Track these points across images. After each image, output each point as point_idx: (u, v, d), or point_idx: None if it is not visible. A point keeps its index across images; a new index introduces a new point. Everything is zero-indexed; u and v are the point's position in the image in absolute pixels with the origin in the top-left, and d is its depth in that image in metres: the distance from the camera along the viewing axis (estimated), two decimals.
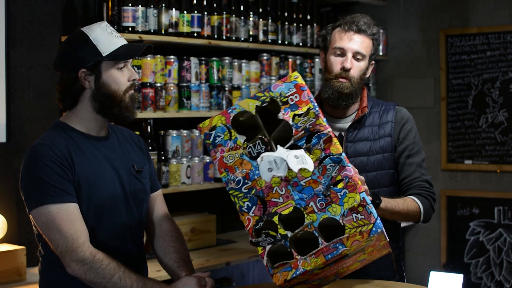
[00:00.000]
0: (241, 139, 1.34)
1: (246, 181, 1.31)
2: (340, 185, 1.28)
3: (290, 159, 1.30)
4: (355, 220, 1.26)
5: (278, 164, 1.30)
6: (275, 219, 1.29)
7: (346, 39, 1.69)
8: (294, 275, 1.25)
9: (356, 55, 1.70)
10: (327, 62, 1.73)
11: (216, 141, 1.35)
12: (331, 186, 1.29)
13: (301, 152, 1.31)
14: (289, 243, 1.28)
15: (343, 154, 1.31)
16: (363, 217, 1.26)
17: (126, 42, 1.51)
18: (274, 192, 1.30)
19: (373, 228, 1.25)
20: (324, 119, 1.34)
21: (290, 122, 1.33)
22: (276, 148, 1.32)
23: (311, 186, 1.29)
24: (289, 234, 1.28)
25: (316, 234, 1.27)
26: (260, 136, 1.34)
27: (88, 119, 1.52)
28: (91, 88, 1.48)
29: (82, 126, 1.52)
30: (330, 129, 1.33)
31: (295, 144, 1.33)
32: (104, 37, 1.47)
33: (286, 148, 1.33)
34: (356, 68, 1.70)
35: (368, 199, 1.30)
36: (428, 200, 1.72)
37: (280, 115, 1.34)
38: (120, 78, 1.48)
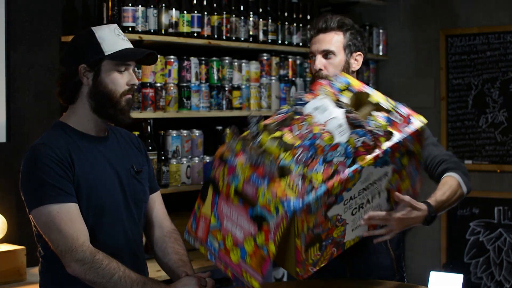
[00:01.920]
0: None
1: None
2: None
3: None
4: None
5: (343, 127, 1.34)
6: None
7: (313, 42, 1.73)
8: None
9: (323, 54, 1.70)
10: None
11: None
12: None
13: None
14: None
15: (363, 175, 1.32)
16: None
17: (132, 46, 1.52)
18: None
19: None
20: (387, 146, 1.34)
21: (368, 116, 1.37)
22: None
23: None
24: None
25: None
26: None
27: (87, 118, 1.52)
28: (88, 84, 1.48)
29: (81, 125, 1.52)
30: (380, 151, 1.34)
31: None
32: (110, 37, 1.48)
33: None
34: (329, 65, 1.70)
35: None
36: (462, 168, 1.70)
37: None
38: (119, 80, 1.48)
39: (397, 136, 1.35)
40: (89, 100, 1.50)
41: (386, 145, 1.33)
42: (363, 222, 1.39)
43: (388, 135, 1.34)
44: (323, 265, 1.37)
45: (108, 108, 1.49)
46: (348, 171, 1.29)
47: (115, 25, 1.53)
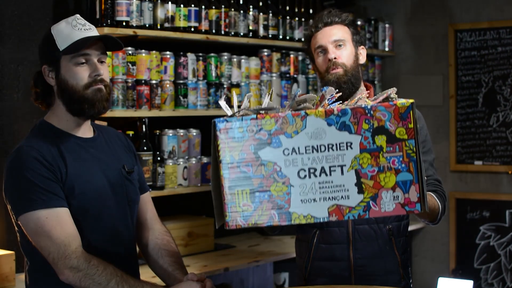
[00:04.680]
0: None
1: None
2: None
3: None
4: None
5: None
6: None
7: (319, 36, 1.75)
8: None
9: (336, 44, 1.74)
10: (317, 65, 1.77)
11: None
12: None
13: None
14: None
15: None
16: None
17: (91, 35, 1.46)
18: None
19: None
20: (347, 105, 1.28)
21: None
22: None
23: None
24: None
25: None
26: None
27: (66, 118, 1.49)
28: (55, 84, 1.47)
29: (64, 126, 1.49)
30: (336, 108, 1.27)
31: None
32: (65, 31, 1.46)
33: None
34: (343, 55, 1.73)
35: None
36: (443, 199, 1.70)
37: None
38: (79, 73, 1.45)
39: (363, 101, 1.28)
40: (60, 99, 1.48)
41: (346, 104, 1.27)
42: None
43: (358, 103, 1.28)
44: (259, 225, 1.28)
45: (74, 104, 1.45)
46: (288, 112, 1.25)
47: (76, 15, 1.49)
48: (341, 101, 1.36)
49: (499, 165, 3.26)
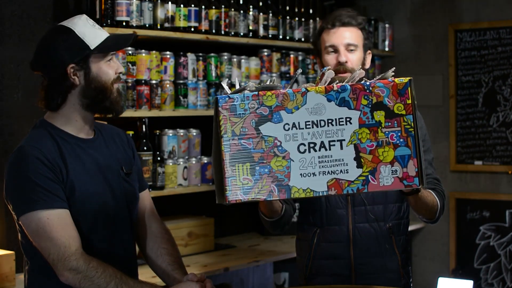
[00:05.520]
0: None
1: None
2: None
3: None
4: None
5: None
6: None
7: (334, 35, 1.74)
8: None
9: (348, 47, 1.73)
10: (324, 63, 1.76)
11: None
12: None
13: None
14: None
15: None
16: None
17: (108, 34, 1.49)
18: None
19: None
20: (346, 82, 1.29)
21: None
22: None
23: None
24: None
25: None
26: None
27: (75, 118, 1.48)
28: (80, 84, 1.45)
29: (69, 127, 1.48)
30: (336, 84, 1.28)
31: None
32: (88, 29, 1.46)
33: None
34: (353, 59, 1.73)
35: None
36: (442, 197, 1.70)
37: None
38: (109, 70, 1.47)
39: (361, 76, 1.29)
40: (82, 99, 1.46)
41: (346, 81, 1.28)
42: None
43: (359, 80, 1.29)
44: (259, 199, 1.28)
45: (104, 101, 1.46)
46: (289, 88, 1.27)
47: (84, 15, 1.49)
48: None
49: (499, 165, 3.26)
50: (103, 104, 1.45)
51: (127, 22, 2.36)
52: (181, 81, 2.56)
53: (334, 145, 1.26)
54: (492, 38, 3.26)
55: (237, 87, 1.34)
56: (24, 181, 1.37)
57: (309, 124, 1.26)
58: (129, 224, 1.52)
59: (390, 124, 1.25)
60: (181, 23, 2.51)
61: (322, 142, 1.26)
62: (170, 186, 2.51)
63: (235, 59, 2.73)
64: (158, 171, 2.46)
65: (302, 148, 1.26)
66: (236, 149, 1.26)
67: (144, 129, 2.43)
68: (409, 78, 1.26)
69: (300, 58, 3.00)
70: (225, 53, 2.70)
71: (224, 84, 1.33)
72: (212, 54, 2.66)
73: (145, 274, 1.66)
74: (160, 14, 2.46)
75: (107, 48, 1.44)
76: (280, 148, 1.26)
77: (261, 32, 2.81)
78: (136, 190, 1.56)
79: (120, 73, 1.48)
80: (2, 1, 2.29)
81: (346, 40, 1.72)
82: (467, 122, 3.34)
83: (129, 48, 2.42)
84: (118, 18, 2.34)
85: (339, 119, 1.25)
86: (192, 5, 2.54)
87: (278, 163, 1.26)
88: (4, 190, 1.43)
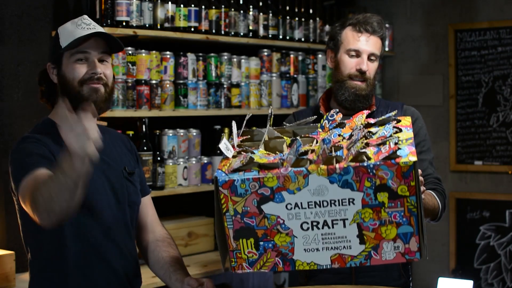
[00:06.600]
0: None
1: None
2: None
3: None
4: None
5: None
6: None
7: (361, 40, 1.71)
8: None
9: (370, 56, 1.73)
10: (339, 62, 1.74)
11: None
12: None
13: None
14: None
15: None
16: None
17: (92, 32, 1.47)
18: None
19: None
20: (350, 164, 1.28)
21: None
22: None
23: None
24: None
25: None
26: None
27: (67, 116, 1.48)
28: (57, 81, 1.50)
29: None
30: (338, 166, 1.26)
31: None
32: (69, 29, 1.48)
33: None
34: (372, 69, 1.73)
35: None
36: (443, 197, 1.70)
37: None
38: (77, 69, 1.47)
39: (365, 159, 1.27)
40: (62, 97, 1.50)
41: (349, 163, 1.26)
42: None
43: (361, 157, 1.26)
44: (264, 271, 1.34)
45: (72, 100, 1.47)
46: (290, 169, 1.26)
47: (83, 16, 1.52)
48: (342, 116, 1.41)
49: (499, 165, 3.25)
50: (73, 103, 1.47)
51: (127, 22, 2.36)
52: (181, 81, 2.56)
53: (337, 223, 1.27)
54: (492, 38, 3.25)
55: (235, 139, 1.35)
56: (23, 154, 1.39)
57: (311, 204, 1.26)
58: (129, 223, 1.52)
59: (393, 204, 1.26)
60: (181, 23, 2.51)
61: (325, 221, 1.27)
62: (170, 186, 2.51)
63: (235, 59, 2.73)
64: (158, 171, 2.46)
65: (305, 226, 1.28)
66: (239, 226, 1.28)
67: (144, 129, 2.43)
68: (414, 160, 1.24)
69: (300, 58, 2.99)
70: (225, 53, 2.70)
71: (222, 145, 1.30)
72: (212, 54, 2.66)
73: (145, 274, 1.65)
74: (160, 14, 2.46)
75: (71, 45, 1.45)
76: (283, 225, 1.27)
77: (261, 32, 2.80)
78: (138, 190, 1.56)
79: (93, 73, 1.45)
80: (2, 1, 2.29)
81: (371, 49, 1.71)
82: (467, 122, 3.34)
83: (129, 48, 2.42)
84: (118, 18, 2.34)
85: (342, 199, 1.26)
86: (192, 5, 2.54)
87: (282, 239, 1.28)
88: (11, 181, 1.42)
